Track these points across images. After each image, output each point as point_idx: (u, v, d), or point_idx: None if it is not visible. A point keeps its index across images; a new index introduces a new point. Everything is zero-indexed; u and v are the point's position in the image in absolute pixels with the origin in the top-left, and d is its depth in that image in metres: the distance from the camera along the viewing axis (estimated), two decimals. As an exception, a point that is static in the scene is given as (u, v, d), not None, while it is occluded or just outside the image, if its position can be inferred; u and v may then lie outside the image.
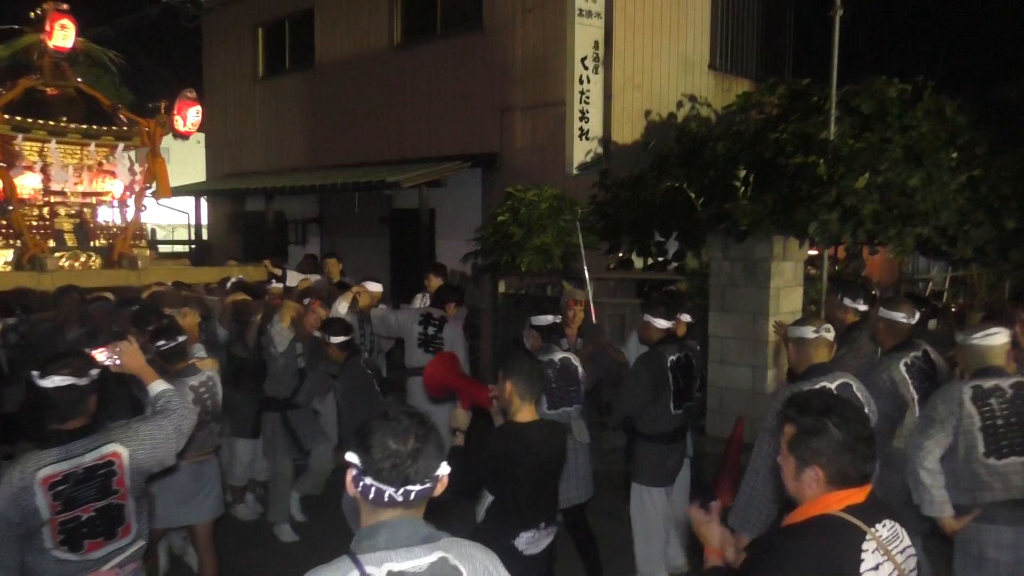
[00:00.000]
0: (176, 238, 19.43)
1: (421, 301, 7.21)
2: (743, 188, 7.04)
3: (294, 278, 7.78)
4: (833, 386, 3.39)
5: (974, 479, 3.43)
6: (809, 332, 3.50)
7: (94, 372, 2.73)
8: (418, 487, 1.74)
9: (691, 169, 7.77)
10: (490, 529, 3.22)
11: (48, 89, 7.52)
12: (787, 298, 6.94)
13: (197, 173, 16.93)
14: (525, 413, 3.27)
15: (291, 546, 5.55)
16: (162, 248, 15.58)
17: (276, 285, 6.92)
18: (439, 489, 1.80)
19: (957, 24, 13.14)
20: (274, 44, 14.92)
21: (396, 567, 1.71)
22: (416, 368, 6.18)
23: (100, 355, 2.90)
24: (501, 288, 8.13)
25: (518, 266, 7.54)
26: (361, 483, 1.74)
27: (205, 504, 4.36)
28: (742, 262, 6.91)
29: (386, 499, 1.72)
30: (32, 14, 7.46)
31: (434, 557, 1.76)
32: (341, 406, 5.12)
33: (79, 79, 7.87)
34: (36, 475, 2.57)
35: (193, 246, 16.16)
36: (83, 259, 7.50)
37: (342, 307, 6.00)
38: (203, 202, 15.35)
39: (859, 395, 3.49)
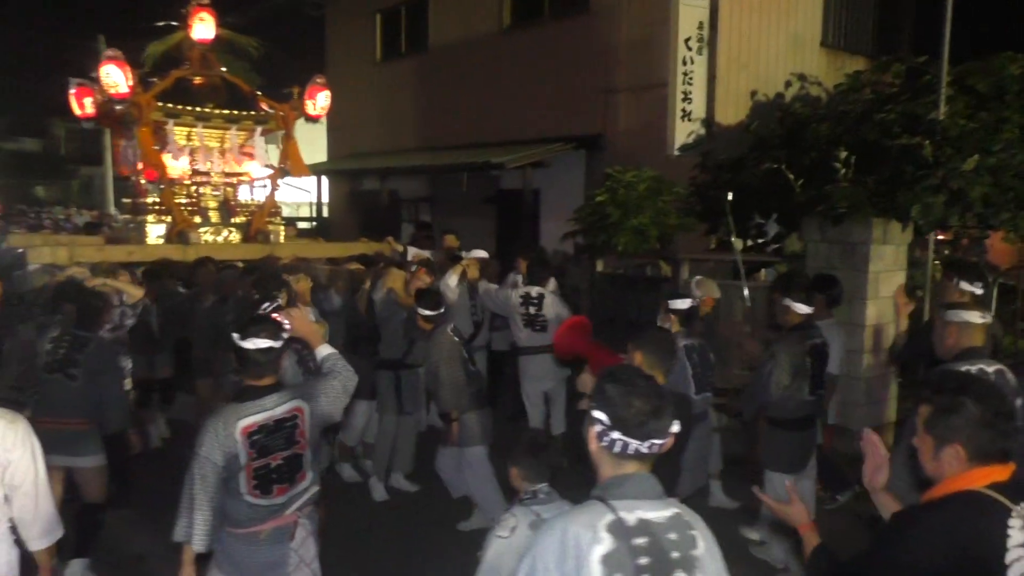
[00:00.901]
0: (300, 215, 20.58)
1: (513, 281, 7.48)
2: (843, 170, 6.98)
3: (413, 254, 8.26)
4: (991, 371, 3.40)
5: None
6: (976, 317, 3.55)
7: (285, 335, 3.02)
8: (659, 441, 1.94)
9: (792, 151, 7.73)
10: None
11: (196, 78, 8.26)
12: (887, 282, 6.86)
13: (319, 154, 17.88)
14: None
15: (385, 507, 5.80)
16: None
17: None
18: (667, 444, 1.98)
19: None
20: (391, 29, 15.57)
21: (644, 515, 1.90)
22: (525, 347, 6.47)
23: (277, 320, 3.13)
24: (598, 268, 8.38)
25: (615, 246, 7.75)
26: (608, 438, 1.94)
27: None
28: (840, 245, 6.89)
29: (631, 452, 1.92)
30: (183, 10, 8.22)
31: (671, 511, 1.95)
32: (428, 374, 5.33)
33: (223, 68, 8.59)
34: (237, 424, 2.87)
35: (315, 223, 17.15)
36: (225, 234, 8.24)
37: (452, 280, 6.30)
38: (324, 181, 16.25)
39: (1011, 383, 3.46)
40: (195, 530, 2.91)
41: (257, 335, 2.91)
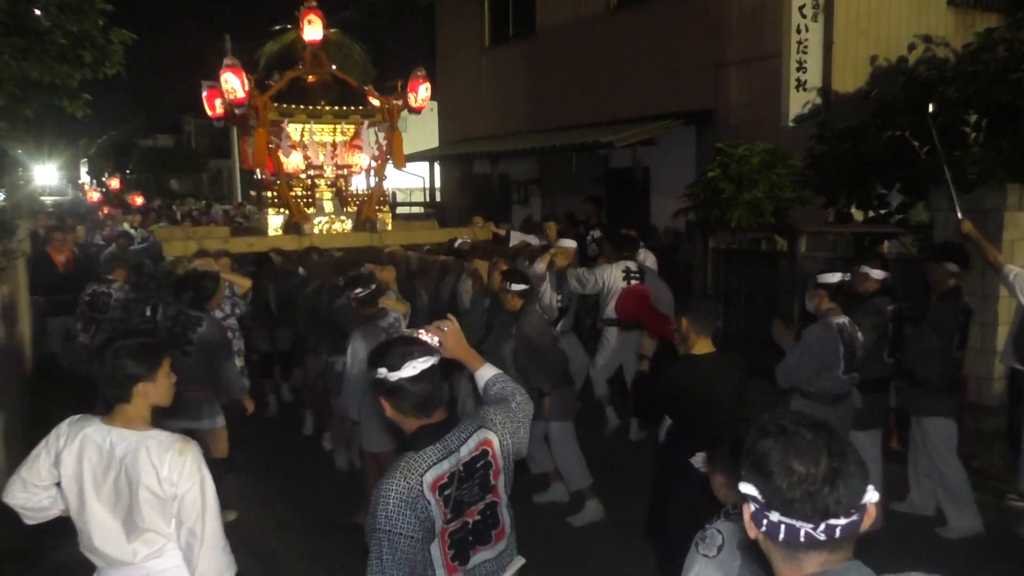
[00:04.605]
0: (413, 200, 21.14)
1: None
2: (974, 134, 6.62)
3: (516, 238, 8.43)
4: None
5: None
6: None
7: (437, 351, 2.39)
8: (843, 521, 1.32)
9: (917, 116, 7.38)
10: (670, 449, 3.59)
11: (308, 77, 8.67)
12: (1023, 251, 6.47)
13: (432, 139, 18.32)
14: (700, 346, 3.59)
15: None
16: (400, 210, 17.11)
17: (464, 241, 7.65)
18: (867, 522, 1.36)
19: None
20: (499, 15, 15.73)
21: None
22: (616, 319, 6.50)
23: (423, 339, 2.51)
24: (711, 244, 8.29)
25: (728, 221, 7.65)
26: (765, 521, 1.36)
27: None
28: (970, 213, 6.50)
29: (802, 538, 1.33)
30: (295, 12, 8.63)
31: None
32: (518, 351, 5.27)
33: (333, 65, 8.95)
34: (424, 480, 2.16)
35: (428, 208, 17.59)
36: (337, 224, 8.66)
37: (540, 267, 6.40)
38: (436, 166, 16.66)
39: None
40: None
41: (412, 357, 2.24)
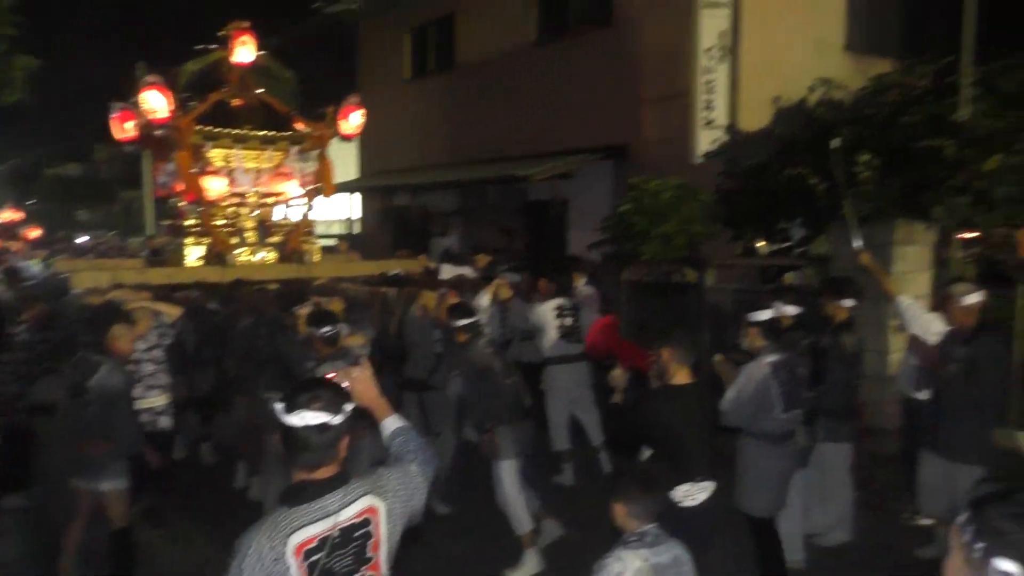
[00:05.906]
0: (333, 233, 20.87)
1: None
2: (866, 173, 7.01)
3: (447, 272, 8.42)
4: None
5: None
6: None
7: (348, 408, 2.17)
8: None
9: (816, 155, 7.77)
10: None
11: (233, 100, 8.44)
12: (912, 283, 6.87)
13: (351, 171, 18.20)
14: (681, 376, 3.65)
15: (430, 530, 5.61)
16: (321, 242, 16.86)
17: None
18: None
19: None
20: (420, 47, 15.90)
21: None
22: (557, 357, 6.37)
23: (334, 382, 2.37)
24: (625, 276, 8.48)
25: (641, 255, 7.85)
26: None
27: None
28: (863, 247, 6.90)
29: None
30: (221, 32, 8.36)
31: None
32: (464, 385, 5.22)
33: (260, 89, 8.67)
34: (288, 541, 2.01)
35: (347, 241, 17.41)
36: (261, 254, 8.37)
37: (484, 300, 6.37)
38: (356, 198, 16.56)
39: None
40: None
41: (308, 406, 2.09)
